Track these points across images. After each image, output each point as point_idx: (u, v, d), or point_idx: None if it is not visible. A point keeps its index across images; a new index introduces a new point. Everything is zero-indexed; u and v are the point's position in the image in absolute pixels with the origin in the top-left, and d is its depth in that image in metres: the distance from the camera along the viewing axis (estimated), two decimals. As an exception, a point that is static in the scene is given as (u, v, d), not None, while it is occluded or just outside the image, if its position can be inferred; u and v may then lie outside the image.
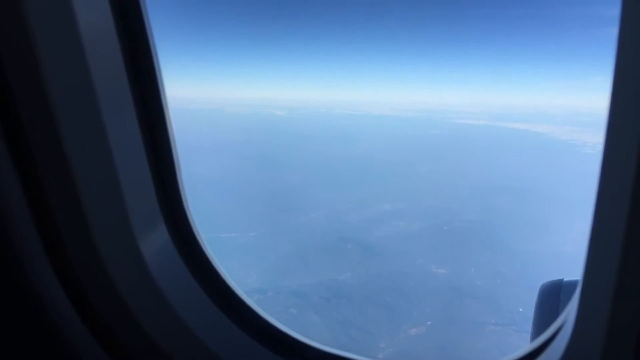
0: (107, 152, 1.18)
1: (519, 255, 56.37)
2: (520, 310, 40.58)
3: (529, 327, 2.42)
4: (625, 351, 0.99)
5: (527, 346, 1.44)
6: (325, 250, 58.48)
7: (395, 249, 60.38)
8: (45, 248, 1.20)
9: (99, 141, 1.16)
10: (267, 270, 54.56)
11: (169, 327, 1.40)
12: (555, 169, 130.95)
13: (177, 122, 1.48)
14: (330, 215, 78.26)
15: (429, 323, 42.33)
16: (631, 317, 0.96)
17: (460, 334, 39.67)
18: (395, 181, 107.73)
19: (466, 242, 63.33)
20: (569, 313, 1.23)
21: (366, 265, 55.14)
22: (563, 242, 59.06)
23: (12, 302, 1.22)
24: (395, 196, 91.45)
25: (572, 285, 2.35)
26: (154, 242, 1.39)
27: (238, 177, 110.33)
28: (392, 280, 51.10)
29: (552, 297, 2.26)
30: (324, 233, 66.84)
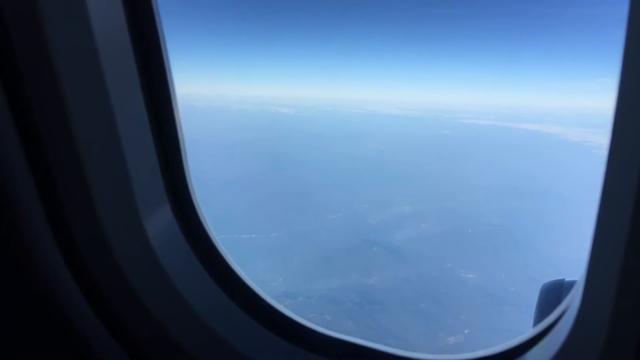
0: (114, 133, 1.21)
1: (549, 260, 55.09)
2: (562, 319, 39.29)
3: None
4: (631, 333, 1.00)
5: (531, 330, 1.44)
6: (350, 253, 57.40)
7: (420, 252, 59.25)
8: (50, 225, 1.23)
9: (107, 122, 1.19)
10: (293, 273, 53.45)
11: (170, 304, 1.42)
12: (573, 171, 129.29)
13: (185, 119, 1.49)
14: (349, 216, 77.17)
15: (466, 331, 41.12)
16: (637, 299, 0.96)
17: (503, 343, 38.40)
18: (411, 182, 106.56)
19: (493, 246, 62.11)
20: (574, 297, 1.24)
21: (393, 269, 53.96)
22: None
23: (14, 274, 1.24)
24: (413, 197, 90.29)
25: (573, 285, 2.13)
26: (158, 221, 1.42)
27: (252, 177, 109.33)
28: (422, 285, 49.92)
29: (553, 297, 2.20)
30: (347, 235, 65.75)
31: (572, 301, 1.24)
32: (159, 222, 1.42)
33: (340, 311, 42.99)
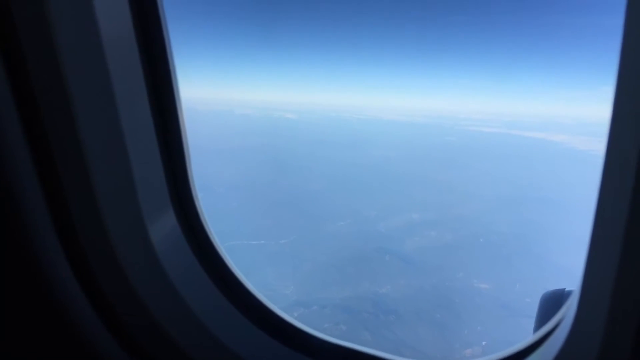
0: (120, 139, 1.23)
1: (561, 270, 54.30)
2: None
3: None
4: (625, 343, 1.01)
5: (528, 338, 1.47)
6: (361, 261, 56.74)
7: (432, 261, 58.55)
8: (55, 228, 1.26)
9: (112, 126, 1.21)
10: (304, 281, 52.76)
11: (172, 308, 1.44)
12: (581, 180, 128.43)
13: (188, 123, 1.50)
14: (358, 223, 76.50)
15: (484, 343, 40.40)
16: (631, 307, 0.98)
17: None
18: (417, 189, 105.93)
19: (505, 256, 61.40)
20: (570, 306, 1.27)
21: (406, 278, 53.26)
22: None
23: (20, 275, 1.27)
24: (421, 205, 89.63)
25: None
26: (162, 226, 1.44)
27: (257, 182, 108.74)
28: (436, 295, 49.23)
29: (553, 307, 2.17)
30: (357, 242, 65.10)
31: (569, 310, 1.25)
32: (163, 227, 1.43)
33: (356, 321, 42.28)
